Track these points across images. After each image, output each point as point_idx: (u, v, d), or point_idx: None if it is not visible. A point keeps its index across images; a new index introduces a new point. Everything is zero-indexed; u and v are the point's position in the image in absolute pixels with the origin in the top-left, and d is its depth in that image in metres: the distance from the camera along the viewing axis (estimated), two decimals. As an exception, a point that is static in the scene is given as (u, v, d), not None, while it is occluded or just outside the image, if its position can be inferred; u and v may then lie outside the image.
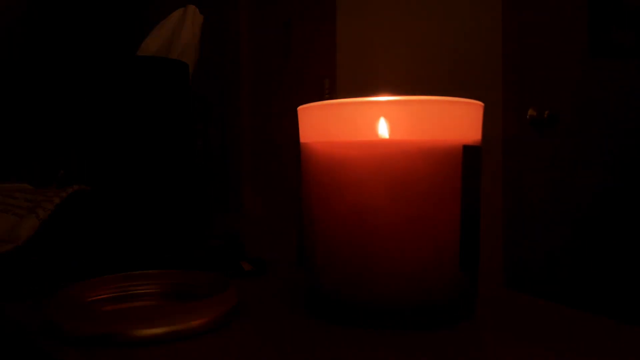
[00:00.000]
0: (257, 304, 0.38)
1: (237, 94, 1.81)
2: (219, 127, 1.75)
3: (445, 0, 1.46)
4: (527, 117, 1.54)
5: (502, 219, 1.52)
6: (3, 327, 0.37)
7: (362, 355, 0.30)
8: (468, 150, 0.33)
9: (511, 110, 1.52)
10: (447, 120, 0.34)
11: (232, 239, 0.53)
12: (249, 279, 0.46)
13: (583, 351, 0.30)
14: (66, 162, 0.59)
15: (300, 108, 0.37)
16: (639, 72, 1.67)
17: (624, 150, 1.66)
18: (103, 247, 0.46)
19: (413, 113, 0.34)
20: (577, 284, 1.57)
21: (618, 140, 1.66)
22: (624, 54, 1.66)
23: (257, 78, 1.79)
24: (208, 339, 0.32)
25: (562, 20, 1.60)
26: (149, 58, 0.61)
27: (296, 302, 0.38)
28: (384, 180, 0.32)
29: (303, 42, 1.54)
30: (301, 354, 0.30)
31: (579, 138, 1.61)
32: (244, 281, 0.43)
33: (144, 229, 0.50)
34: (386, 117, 0.33)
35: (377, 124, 0.33)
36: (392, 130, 0.33)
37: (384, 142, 0.33)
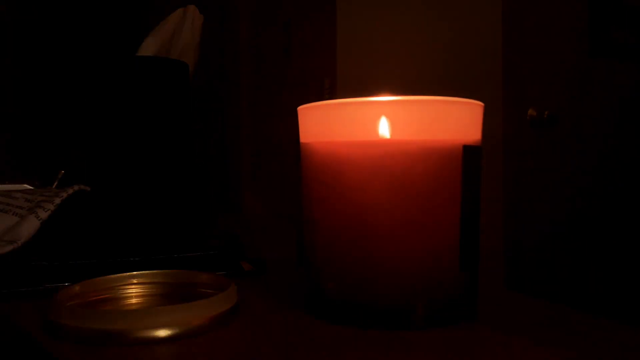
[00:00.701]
0: (257, 304, 0.38)
1: (237, 94, 1.81)
2: (219, 127, 1.75)
3: (446, 1, 1.46)
4: (527, 117, 1.54)
5: (502, 219, 1.52)
6: (3, 327, 0.37)
7: (362, 355, 0.30)
8: (468, 150, 0.33)
9: (511, 110, 1.52)
10: (447, 120, 0.34)
11: (232, 239, 0.53)
12: (249, 279, 0.46)
13: (583, 351, 0.30)
14: (66, 162, 0.59)
15: (300, 108, 0.37)
16: (639, 72, 1.67)
17: (623, 150, 1.66)
18: (103, 247, 0.46)
19: (413, 113, 0.34)
20: (577, 284, 1.57)
21: (618, 140, 1.66)
22: (624, 54, 1.66)
23: (257, 78, 1.79)
24: (208, 339, 0.32)
25: (562, 20, 1.60)
26: (149, 58, 0.61)
27: (296, 302, 0.38)
28: (384, 180, 0.32)
29: (303, 42, 1.54)
30: (301, 354, 0.30)
31: (579, 138, 1.61)
32: (244, 281, 0.43)
33: (143, 229, 0.50)
34: (386, 117, 0.33)
35: (378, 124, 0.33)
36: (392, 130, 0.33)
37: (384, 142, 0.33)
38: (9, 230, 0.47)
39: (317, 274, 0.36)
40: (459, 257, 0.33)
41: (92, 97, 0.52)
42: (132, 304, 0.39)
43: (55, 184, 0.65)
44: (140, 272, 0.40)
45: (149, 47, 0.65)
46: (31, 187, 0.61)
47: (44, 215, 0.48)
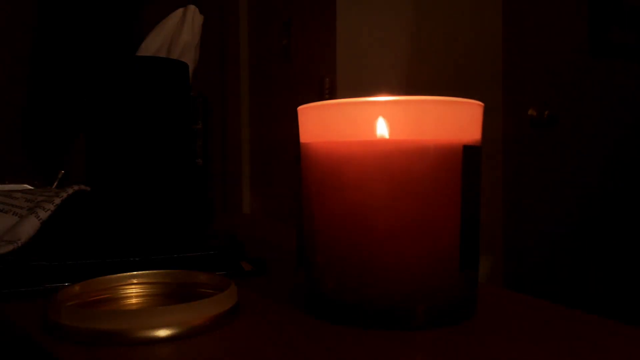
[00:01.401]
0: (257, 304, 0.38)
1: (237, 94, 1.81)
2: (219, 127, 1.75)
3: (446, 1, 1.46)
4: (527, 117, 1.54)
5: (502, 219, 1.52)
6: (3, 327, 0.37)
7: (362, 355, 0.30)
8: (468, 150, 0.33)
9: (511, 110, 1.52)
10: (447, 120, 0.34)
11: (232, 239, 0.53)
12: (249, 279, 0.46)
13: (583, 351, 0.30)
14: (66, 162, 0.59)
15: (300, 108, 0.37)
16: (639, 72, 1.67)
17: (623, 150, 1.66)
18: (103, 247, 0.46)
19: (413, 113, 0.34)
20: (577, 284, 1.57)
21: (618, 140, 1.66)
22: (624, 54, 1.66)
23: (257, 78, 1.79)
24: (208, 339, 0.32)
25: (562, 20, 1.60)
26: (149, 58, 0.61)
27: (296, 302, 0.38)
28: (384, 180, 0.32)
29: (303, 42, 1.54)
30: (301, 354, 0.30)
31: (579, 138, 1.61)
32: (244, 281, 0.43)
33: (143, 229, 0.50)
34: (386, 117, 0.33)
35: (379, 123, 0.33)
36: (392, 130, 0.33)
37: (383, 142, 0.33)
38: (9, 230, 0.47)
39: (317, 274, 0.36)
40: (459, 257, 0.33)
41: (92, 97, 0.52)
42: (132, 304, 0.39)
43: (55, 184, 0.65)
44: (140, 272, 0.40)
45: (149, 47, 0.65)
46: (31, 187, 0.61)
47: (44, 215, 0.48)
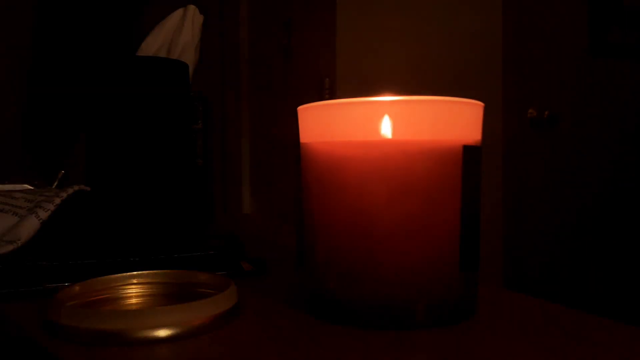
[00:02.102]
0: (257, 304, 0.38)
1: (237, 94, 1.81)
2: (219, 127, 1.75)
3: (446, 1, 1.46)
4: (527, 117, 1.54)
5: (502, 219, 1.52)
6: (3, 327, 0.37)
7: (362, 355, 0.30)
8: (468, 150, 0.33)
9: (511, 110, 1.52)
10: (447, 120, 0.34)
11: (232, 239, 0.53)
12: (249, 279, 0.46)
13: (583, 351, 0.30)
14: (66, 162, 0.59)
15: (300, 108, 0.37)
16: (639, 72, 1.67)
17: (623, 150, 1.66)
18: (103, 247, 0.46)
19: (413, 113, 0.34)
20: (577, 284, 1.57)
21: (618, 140, 1.66)
22: (624, 54, 1.66)
23: (257, 78, 1.79)
24: (208, 339, 0.32)
25: (562, 20, 1.60)
26: (149, 58, 0.61)
27: (296, 302, 0.38)
28: (384, 180, 0.32)
29: (303, 42, 1.54)
30: (301, 354, 0.30)
31: (579, 138, 1.61)
32: (244, 281, 0.43)
33: (143, 229, 0.50)
34: (387, 117, 0.33)
35: (378, 124, 0.33)
36: (392, 130, 0.33)
37: (383, 142, 0.33)
38: (9, 230, 0.47)
39: (317, 274, 0.36)
40: (459, 257, 0.33)
41: (92, 97, 0.52)
42: (132, 304, 0.38)
43: (55, 184, 0.65)
44: (140, 272, 0.40)
45: (149, 47, 0.65)
46: (31, 187, 0.61)
47: (44, 215, 0.48)
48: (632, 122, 1.66)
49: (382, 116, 0.33)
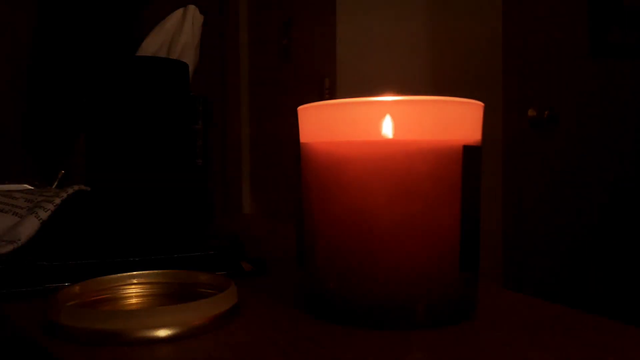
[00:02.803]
0: (257, 304, 0.38)
1: (237, 94, 1.81)
2: (219, 127, 1.75)
3: (446, 1, 1.46)
4: (527, 117, 1.54)
5: (502, 219, 1.52)
6: (3, 327, 0.37)
7: (362, 355, 0.30)
8: (468, 150, 0.33)
9: (511, 110, 1.52)
10: (447, 120, 0.34)
11: (232, 239, 0.53)
12: (249, 279, 0.46)
13: (583, 351, 0.30)
14: (66, 162, 0.59)
15: (300, 108, 0.37)
16: (639, 72, 1.67)
17: (624, 150, 1.66)
18: (103, 247, 0.46)
19: (413, 113, 0.34)
20: (577, 283, 1.57)
21: (618, 140, 1.66)
22: (624, 54, 1.66)
23: (257, 78, 1.79)
24: (208, 339, 0.32)
25: (563, 20, 1.60)
26: (149, 58, 0.61)
27: (296, 302, 0.38)
28: (384, 180, 0.32)
29: (303, 42, 1.54)
30: (301, 354, 0.30)
31: (579, 138, 1.61)
32: (244, 281, 0.43)
33: (143, 229, 0.50)
34: (387, 117, 0.33)
35: (379, 124, 0.33)
36: (392, 130, 0.33)
37: (383, 142, 0.33)
38: (9, 230, 0.47)
39: (317, 274, 0.36)
40: (459, 257, 0.33)
41: (92, 97, 0.52)
42: (132, 304, 0.38)
43: (55, 184, 0.65)
44: (140, 272, 0.40)
45: (149, 47, 0.65)
46: (31, 187, 0.61)
47: (44, 215, 0.48)
48: (632, 122, 1.66)
49: (382, 116, 0.33)
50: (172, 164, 0.52)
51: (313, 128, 0.36)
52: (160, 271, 0.40)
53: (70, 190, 0.51)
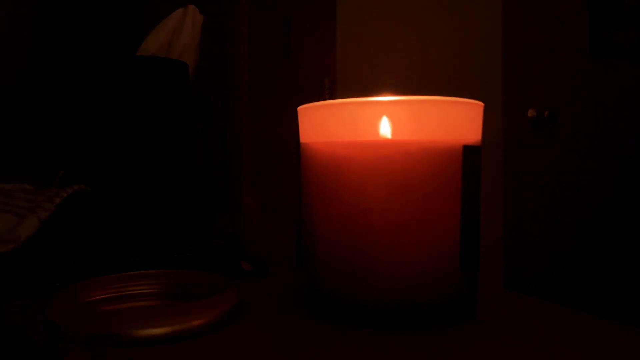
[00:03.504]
0: (257, 304, 0.38)
1: (237, 94, 1.81)
2: (219, 127, 1.75)
3: (446, 0, 1.46)
4: (527, 117, 1.54)
5: (502, 219, 1.52)
6: (3, 327, 0.37)
7: (362, 355, 0.30)
8: (468, 150, 0.33)
9: (511, 110, 1.52)
10: (447, 120, 0.34)
11: (232, 239, 0.53)
12: (249, 279, 0.46)
13: (583, 351, 0.30)
14: (66, 162, 0.59)
15: (300, 108, 0.37)
16: (639, 72, 1.67)
17: (623, 150, 1.66)
18: (103, 247, 0.46)
19: (413, 113, 0.34)
20: (577, 283, 1.57)
21: (618, 140, 1.66)
22: (624, 54, 1.66)
23: (257, 78, 1.79)
24: (208, 339, 0.32)
25: (562, 20, 1.60)
26: (149, 58, 0.61)
27: (296, 302, 0.38)
28: (384, 180, 0.32)
29: (303, 42, 1.54)
30: (301, 354, 0.30)
31: (579, 138, 1.61)
32: (244, 281, 0.43)
33: (143, 229, 0.50)
34: (386, 117, 0.33)
35: (379, 124, 0.33)
36: (392, 130, 0.33)
37: (384, 142, 0.33)
38: (9, 230, 0.47)
39: (317, 274, 0.36)
40: (459, 257, 0.33)
41: (93, 97, 0.52)
42: (132, 304, 0.38)
43: (55, 183, 0.65)
44: (140, 272, 0.40)
45: (149, 47, 0.65)
46: (31, 187, 0.61)
47: (44, 215, 0.48)
48: (632, 122, 1.66)
49: (382, 116, 0.33)
50: (172, 164, 0.52)
51: (313, 128, 0.36)
52: (160, 271, 0.40)
53: (70, 190, 0.51)
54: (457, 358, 0.30)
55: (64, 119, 0.56)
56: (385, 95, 0.33)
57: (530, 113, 1.54)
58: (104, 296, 0.38)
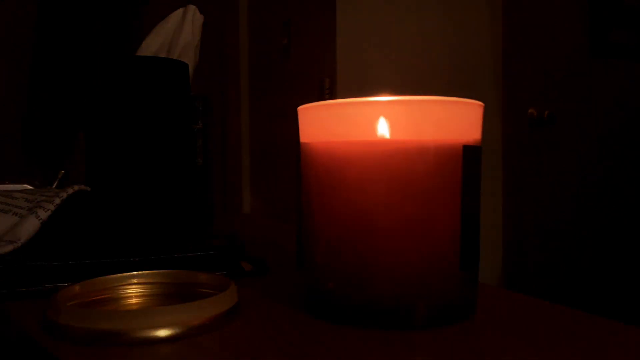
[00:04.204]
0: (257, 304, 0.38)
1: (237, 94, 1.81)
2: (219, 127, 1.75)
3: (446, 0, 1.46)
4: (527, 116, 1.55)
5: (502, 219, 1.52)
6: (3, 327, 0.37)
7: (362, 355, 0.30)
8: (468, 150, 0.33)
9: (511, 110, 1.52)
10: (447, 120, 0.34)
11: (232, 238, 0.53)
12: (249, 279, 0.46)
13: (583, 351, 0.30)
14: (66, 162, 0.59)
15: (300, 108, 0.37)
16: (639, 72, 1.67)
17: (623, 150, 1.66)
18: (103, 247, 0.46)
19: (413, 113, 0.34)
20: (577, 283, 1.57)
21: (618, 140, 1.66)
22: (624, 54, 1.66)
23: (257, 78, 1.79)
24: (208, 339, 0.32)
25: (562, 20, 1.60)
26: (149, 58, 0.61)
27: (296, 302, 0.38)
28: (384, 180, 0.32)
29: (303, 42, 1.54)
30: (301, 354, 0.30)
31: (579, 138, 1.62)
32: (244, 281, 0.44)
33: (143, 229, 0.50)
34: (386, 117, 0.33)
35: (379, 124, 0.33)
36: (392, 130, 0.33)
37: (384, 142, 0.33)
38: (9, 230, 0.47)
39: (317, 274, 0.36)
40: (459, 257, 0.33)
41: (92, 97, 0.52)
42: (132, 304, 0.39)
43: (55, 184, 0.65)
44: (140, 272, 0.40)
45: (149, 47, 0.65)
46: (31, 187, 0.61)
47: (44, 215, 0.48)
48: (632, 122, 1.66)
49: (382, 116, 0.33)
50: (172, 163, 0.52)
51: (313, 128, 0.36)
52: (160, 271, 0.40)
53: (70, 190, 0.51)
54: (456, 358, 0.30)
55: (63, 119, 0.56)
56: (385, 95, 0.33)
57: (530, 113, 1.54)
58: (104, 296, 0.38)
